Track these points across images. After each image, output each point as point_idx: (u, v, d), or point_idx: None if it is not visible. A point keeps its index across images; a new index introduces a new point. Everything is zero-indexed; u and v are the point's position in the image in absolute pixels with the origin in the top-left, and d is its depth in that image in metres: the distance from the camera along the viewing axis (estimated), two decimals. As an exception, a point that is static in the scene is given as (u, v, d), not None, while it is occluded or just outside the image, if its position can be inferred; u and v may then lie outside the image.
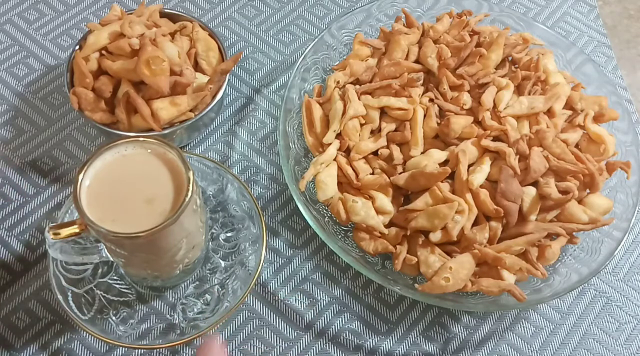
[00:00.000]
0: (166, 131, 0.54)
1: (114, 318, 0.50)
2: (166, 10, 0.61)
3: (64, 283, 0.49)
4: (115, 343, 0.48)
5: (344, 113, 0.55)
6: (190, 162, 0.42)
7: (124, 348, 0.51)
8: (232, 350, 0.52)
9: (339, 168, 0.55)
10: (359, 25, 0.65)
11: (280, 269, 0.56)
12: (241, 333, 0.52)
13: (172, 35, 0.58)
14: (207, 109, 0.56)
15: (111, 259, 0.48)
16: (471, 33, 0.62)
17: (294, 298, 0.54)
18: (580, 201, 0.54)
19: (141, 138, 0.43)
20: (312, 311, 0.54)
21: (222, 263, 0.53)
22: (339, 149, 0.56)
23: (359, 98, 0.56)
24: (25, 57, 0.66)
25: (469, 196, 0.51)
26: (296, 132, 0.58)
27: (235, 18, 0.70)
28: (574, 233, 0.53)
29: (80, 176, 0.41)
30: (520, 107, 0.56)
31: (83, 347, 0.51)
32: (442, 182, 0.52)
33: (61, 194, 0.58)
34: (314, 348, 0.52)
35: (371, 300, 0.55)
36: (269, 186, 0.60)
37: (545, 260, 0.52)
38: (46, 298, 0.53)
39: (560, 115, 0.57)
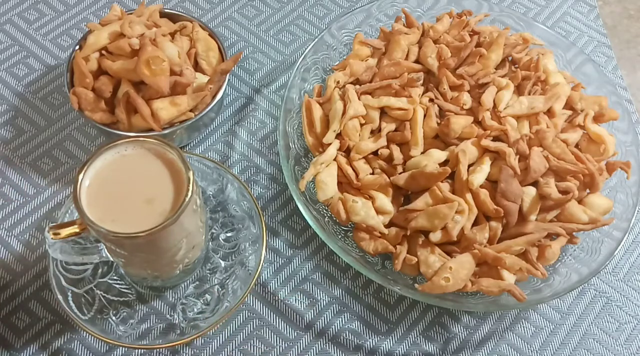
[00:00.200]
0: (166, 131, 0.54)
1: (114, 318, 0.50)
2: (166, 10, 0.61)
3: (64, 283, 0.49)
4: (115, 343, 0.48)
5: (344, 113, 0.55)
6: (190, 162, 0.42)
7: (124, 348, 0.51)
8: (232, 350, 0.52)
9: (339, 168, 0.55)
10: (359, 25, 0.65)
11: (280, 269, 0.56)
12: (241, 333, 0.52)
13: (172, 35, 0.58)
14: (207, 109, 0.56)
15: (111, 259, 0.48)
16: (471, 33, 0.62)
17: (294, 298, 0.54)
18: (580, 201, 0.54)
19: (141, 138, 0.43)
20: (312, 311, 0.54)
21: (222, 263, 0.53)
22: (339, 149, 0.56)
23: (359, 98, 0.56)
24: (25, 57, 0.66)
25: (469, 196, 0.51)
26: (296, 132, 0.58)
27: (235, 18, 0.70)
28: (574, 233, 0.53)
29: (80, 176, 0.41)
30: (520, 107, 0.56)
31: (83, 347, 0.51)
32: (442, 182, 0.52)
33: (61, 194, 0.58)
34: (314, 348, 0.52)
35: (371, 300, 0.55)
36: (269, 186, 0.60)
37: (545, 260, 0.52)
38: (46, 298, 0.53)
39: (560, 115, 0.57)
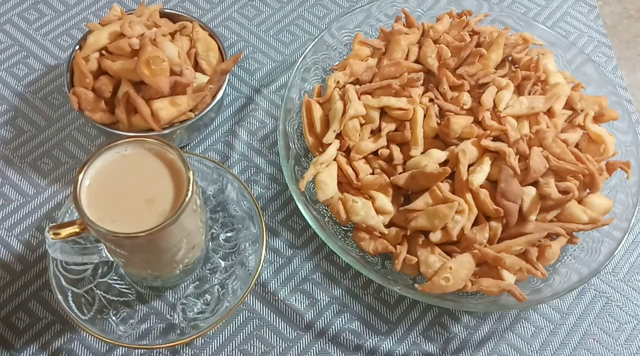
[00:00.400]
0: (166, 131, 0.54)
1: (114, 318, 0.50)
2: (166, 10, 0.61)
3: (64, 283, 0.49)
4: (115, 343, 0.48)
5: (344, 113, 0.55)
6: (190, 162, 0.42)
7: (124, 348, 0.51)
8: (232, 350, 0.52)
9: (339, 168, 0.55)
10: (359, 25, 0.65)
11: (280, 269, 0.56)
12: (241, 333, 0.52)
13: (172, 35, 0.58)
14: (207, 109, 0.56)
15: (111, 259, 0.48)
16: (471, 33, 0.62)
17: (294, 298, 0.54)
18: (580, 201, 0.54)
19: (141, 138, 0.43)
20: (312, 311, 0.54)
21: (222, 263, 0.53)
22: (339, 149, 0.56)
23: (359, 98, 0.56)
24: (25, 57, 0.66)
25: (469, 196, 0.51)
26: (296, 132, 0.58)
27: (235, 18, 0.70)
28: (574, 233, 0.53)
29: (80, 176, 0.41)
30: (520, 107, 0.56)
31: (83, 347, 0.51)
32: (442, 182, 0.52)
33: (61, 194, 0.58)
34: (314, 348, 0.52)
35: (371, 300, 0.55)
36: (269, 186, 0.60)
37: (545, 260, 0.52)
38: (46, 298, 0.53)
39: (560, 115, 0.57)
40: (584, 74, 0.62)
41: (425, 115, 0.56)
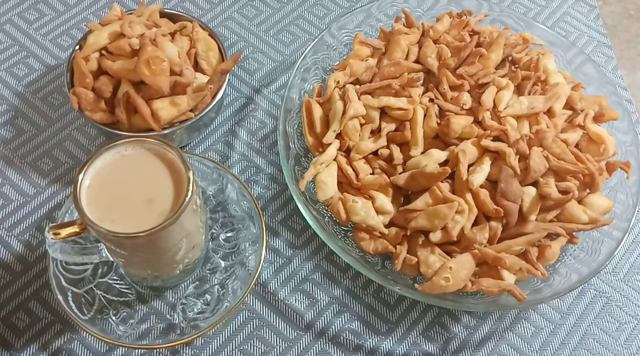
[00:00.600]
0: (166, 131, 0.54)
1: (114, 318, 0.50)
2: (166, 10, 0.61)
3: (64, 283, 0.49)
4: (115, 343, 0.48)
5: (344, 113, 0.55)
6: (190, 162, 0.42)
7: (124, 348, 0.51)
8: (232, 350, 0.52)
9: (339, 168, 0.55)
10: (359, 25, 0.65)
11: (280, 269, 0.56)
12: (241, 333, 0.52)
13: (172, 35, 0.58)
14: (207, 109, 0.56)
15: (111, 259, 0.48)
16: (471, 33, 0.62)
17: (294, 298, 0.54)
18: (580, 201, 0.54)
19: (141, 138, 0.43)
20: (312, 311, 0.54)
21: (222, 263, 0.53)
22: (339, 149, 0.56)
23: (359, 98, 0.56)
24: (25, 57, 0.66)
25: (469, 196, 0.51)
26: (296, 132, 0.58)
27: (235, 18, 0.70)
28: (574, 233, 0.53)
29: (80, 176, 0.41)
30: (520, 107, 0.56)
31: (83, 347, 0.51)
32: (442, 182, 0.52)
33: (61, 194, 0.58)
34: (314, 348, 0.52)
35: (371, 300, 0.55)
36: (269, 186, 0.60)
37: (545, 260, 0.52)
38: (46, 298, 0.53)
39: (560, 115, 0.57)
40: (584, 74, 0.62)
41: (425, 115, 0.56)
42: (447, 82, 0.57)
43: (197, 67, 0.58)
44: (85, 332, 0.50)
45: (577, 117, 0.57)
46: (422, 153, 0.55)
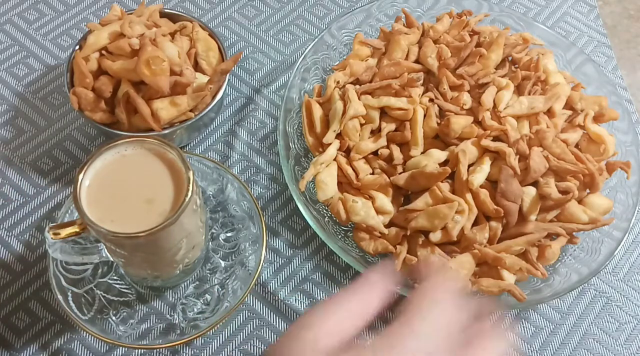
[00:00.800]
0: (166, 131, 0.54)
1: (114, 318, 0.50)
2: (166, 10, 0.61)
3: (64, 283, 0.49)
4: (115, 343, 0.48)
5: (344, 113, 0.55)
6: (190, 162, 0.42)
7: (124, 348, 0.51)
8: (232, 350, 0.52)
9: (339, 168, 0.55)
10: (359, 25, 0.65)
11: (280, 269, 0.56)
12: (241, 333, 0.52)
13: (172, 35, 0.58)
14: (207, 109, 0.56)
15: (111, 259, 0.48)
16: (471, 33, 0.62)
17: (294, 298, 0.54)
18: (580, 201, 0.54)
19: (141, 138, 0.43)
20: (312, 311, 0.54)
21: (222, 263, 0.53)
22: (339, 149, 0.56)
23: (359, 99, 0.56)
24: (25, 57, 0.66)
25: (469, 196, 0.51)
26: (296, 132, 0.58)
27: (235, 18, 0.70)
28: (574, 233, 0.53)
29: (80, 176, 0.41)
30: (520, 107, 0.56)
31: (83, 347, 0.51)
32: (442, 182, 0.52)
33: (61, 194, 0.58)
34: (314, 348, 0.52)
35: (371, 300, 0.54)
36: (269, 186, 0.60)
37: (545, 260, 0.52)
38: (46, 298, 0.53)
39: (560, 115, 0.57)
40: (584, 74, 0.62)
41: (425, 115, 0.56)
42: (447, 82, 0.57)
43: (197, 67, 0.58)
44: (85, 332, 0.50)
45: (577, 117, 0.57)
46: (422, 153, 0.55)
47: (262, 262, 0.50)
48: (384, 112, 0.57)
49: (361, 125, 0.57)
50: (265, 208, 0.58)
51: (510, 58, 0.61)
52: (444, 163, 0.54)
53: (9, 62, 0.65)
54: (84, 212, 0.40)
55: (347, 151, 0.56)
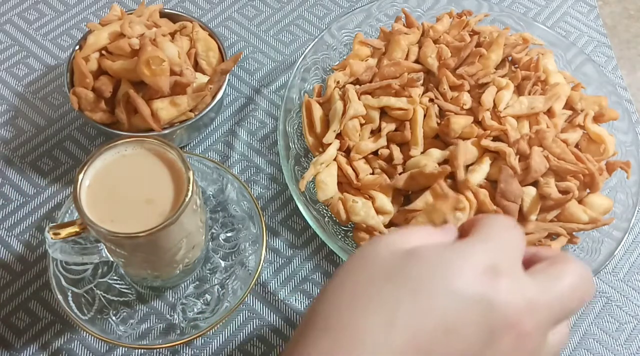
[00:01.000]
0: (166, 131, 0.54)
1: (114, 318, 0.50)
2: (166, 10, 0.61)
3: (64, 283, 0.49)
4: (115, 343, 0.48)
5: (344, 113, 0.55)
6: (190, 162, 0.42)
7: (124, 348, 0.51)
8: (232, 350, 0.52)
9: (339, 168, 0.55)
10: (359, 25, 0.65)
11: (280, 269, 0.56)
12: (241, 333, 0.52)
13: (172, 35, 0.58)
14: (207, 109, 0.56)
15: (111, 259, 0.48)
16: (471, 33, 0.62)
17: (294, 298, 0.54)
18: (580, 201, 0.54)
19: (141, 138, 0.43)
20: (312, 311, 0.54)
21: (222, 263, 0.53)
22: (339, 149, 0.56)
23: (359, 99, 0.56)
24: (25, 57, 0.66)
25: (469, 193, 0.51)
26: (296, 132, 0.58)
27: (235, 18, 0.70)
28: (574, 233, 0.53)
29: (80, 176, 0.41)
30: (520, 107, 0.56)
31: (83, 347, 0.51)
32: (444, 181, 0.52)
33: (61, 194, 0.58)
34: (314, 348, 0.52)
35: (371, 300, 0.54)
36: (269, 186, 0.60)
37: (545, 260, 0.52)
38: (46, 298, 0.53)
39: (560, 115, 0.57)
40: (584, 74, 0.62)
41: (425, 115, 0.56)
42: (447, 82, 0.57)
43: (197, 67, 0.59)
44: (85, 332, 0.50)
45: (577, 117, 0.57)
46: (422, 153, 0.55)
47: (262, 261, 0.50)
48: (384, 112, 0.57)
49: (361, 125, 0.57)
50: (265, 208, 0.58)
51: (510, 58, 0.61)
52: (444, 163, 0.54)
53: (9, 62, 0.65)
54: (84, 212, 0.40)
55: (347, 151, 0.56)
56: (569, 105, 0.58)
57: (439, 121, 0.55)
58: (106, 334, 0.48)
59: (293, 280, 0.55)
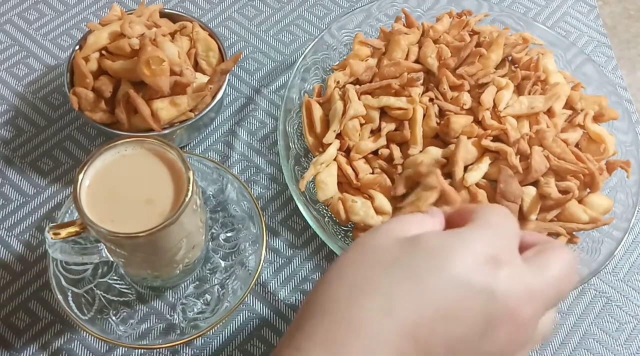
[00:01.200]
0: (166, 131, 0.54)
1: (114, 318, 0.50)
2: (166, 10, 0.61)
3: (64, 283, 0.49)
4: (115, 343, 0.48)
5: (344, 113, 0.55)
6: (190, 162, 0.42)
7: (124, 348, 0.51)
8: (232, 350, 0.52)
9: (339, 168, 0.55)
10: (359, 25, 0.65)
11: (280, 269, 0.56)
12: (241, 333, 0.52)
13: (172, 35, 0.58)
14: (207, 109, 0.56)
15: (111, 259, 0.48)
16: (471, 33, 0.62)
17: (294, 298, 0.54)
18: (580, 201, 0.54)
19: (141, 138, 0.43)
20: (312, 311, 0.54)
21: (222, 263, 0.53)
22: (339, 149, 0.56)
23: (359, 99, 0.56)
24: (25, 57, 0.66)
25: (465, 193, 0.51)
26: (296, 132, 0.58)
27: (235, 18, 0.70)
28: (574, 232, 0.53)
29: (80, 176, 0.41)
30: (520, 107, 0.56)
31: (83, 347, 0.51)
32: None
33: (61, 194, 0.58)
34: (314, 348, 0.52)
35: (371, 300, 0.54)
36: (269, 186, 0.60)
37: (546, 260, 0.52)
38: (46, 298, 0.53)
39: (560, 115, 0.57)
40: (584, 74, 0.62)
41: (425, 115, 0.56)
42: (447, 82, 0.57)
43: (197, 67, 0.59)
44: (85, 332, 0.50)
45: (577, 117, 0.57)
46: (420, 152, 0.55)
47: (262, 261, 0.50)
48: (383, 111, 0.57)
49: (361, 125, 0.57)
50: (265, 208, 0.58)
51: (510, 58, 0.61)
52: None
53: (9, 62, 0.65)
54: (84, 212, 0.40)
55: (347, 151, 0.56)
56: (569, 105, 0.58)
57: (438, 121, 0.55)
58: (106, 334, 0.48)
59: (293, 280, 0.55)
